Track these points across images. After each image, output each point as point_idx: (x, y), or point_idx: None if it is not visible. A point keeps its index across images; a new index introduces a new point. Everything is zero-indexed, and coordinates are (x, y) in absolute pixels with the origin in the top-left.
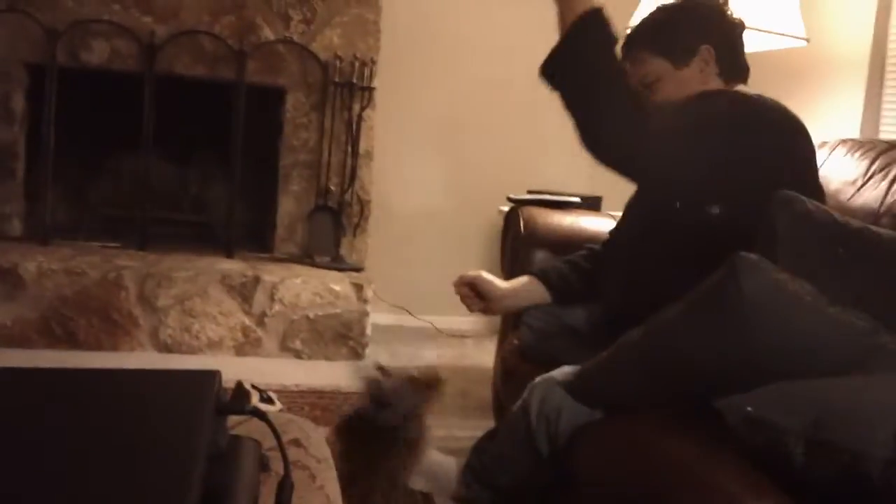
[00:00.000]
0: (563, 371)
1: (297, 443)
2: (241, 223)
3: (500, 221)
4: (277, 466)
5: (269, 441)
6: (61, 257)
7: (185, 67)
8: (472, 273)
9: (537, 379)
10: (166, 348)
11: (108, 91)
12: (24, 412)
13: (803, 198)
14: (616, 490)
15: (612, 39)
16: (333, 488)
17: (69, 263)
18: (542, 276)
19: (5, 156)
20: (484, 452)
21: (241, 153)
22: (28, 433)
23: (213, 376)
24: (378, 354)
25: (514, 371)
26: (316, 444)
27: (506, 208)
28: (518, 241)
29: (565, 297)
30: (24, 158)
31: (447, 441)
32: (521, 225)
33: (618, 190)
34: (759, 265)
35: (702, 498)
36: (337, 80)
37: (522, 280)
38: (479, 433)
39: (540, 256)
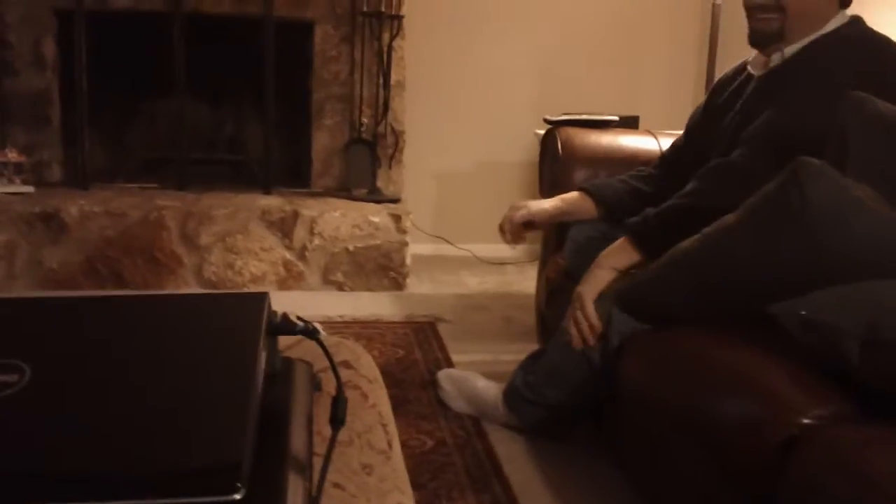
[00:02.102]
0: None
1: (347, 364)
2: (276, 159)
3: (536, 146)
4: (329, 387)
5: (319, 363)
6: (102, 200)
7: (212, 5)
8: (520, 212)
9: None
10: (211, 285)
11: (137, 33)
12: (85, 338)
13: (874, 98)
14: (664, 399)
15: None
16: (385, 407)
17: (110, 206)
18: (592, 190)
19: (40, 103)
20: (530, 370)
21: (272, 89)
22: (91, 358)
23: (262, 298)
24: (420, 283)
25: (559, 289)
26: (366, 366)
27: (542, 131)
28: (557, 162)
29: (615, 212)
30: (60, 105)
31: (492, 366)
32: (560, 145)
33: (654, 109)
34: (822, 170)
35: (755, 404)
36: (365, 9)
37: (571, 195)
38: (523, 357)
39: (580, 176)
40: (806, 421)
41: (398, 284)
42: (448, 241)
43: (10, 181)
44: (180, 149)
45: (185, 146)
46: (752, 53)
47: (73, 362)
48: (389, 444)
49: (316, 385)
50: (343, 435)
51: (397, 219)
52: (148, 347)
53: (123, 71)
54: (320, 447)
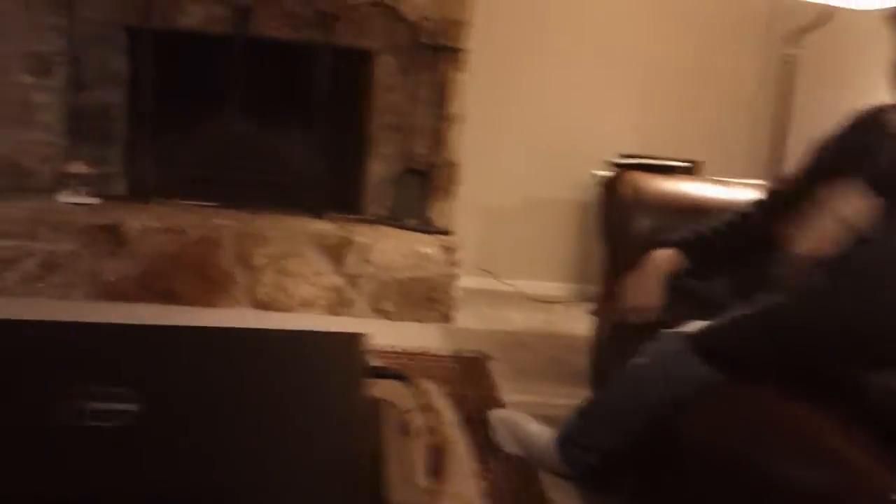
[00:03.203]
0: (688, 326)
1: (428, 407)
2: (327, 184)
3: (590, 185)
4: (414, 428)
5: (399, 401)
6: (161, 216)
7: (274, 30)
8: (654, 288)
9: (660, 332)
10: (262, 306)
11: (201, 52)
12: (190, 368)
13: None
14: (732, 458)
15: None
16: (469, 455)
17: (169, 222)
18: (683, 245)
19: (107, 117)
20: (587, 414)
21: (328, 115)
22: (199, 389)
23: (358, 340)
24: (465, 317)
25: (618, 334)
26: (446, 409)
27: (601, 172)
28: (622, 207)
29: (706, 267)
30: (125, 120)
31: (542, 408)
32: (625, 189)
33: (715, 157)
34: None
35: (837, 475)
36: (426, 41)
37: (670, 254)
38: (574, 402)
39: (644, 223)
40: (893, 497)
41: (445, 317)
42: (494, 276)
43: (77, 192)
44: (234, 168)
45: (239, 166)
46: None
47: (181, 393)
48: (478, 495)
49: (404, 429)
50: (435, 484)
51: (448, 251)
52: (252, 382)
53: (185, 89)
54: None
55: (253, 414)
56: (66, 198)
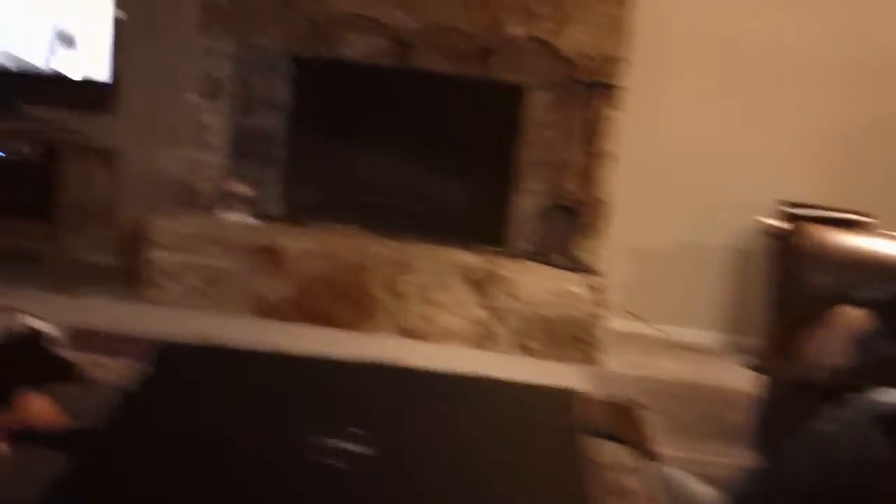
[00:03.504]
0: (880, 395)
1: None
2: (475, 217)
3: (747, 232)
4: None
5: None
6: (316, 239)
7: (433, 62)
8: (840, 361)
9: (848, 397)
10: (406, 333)
11: (360, 83)
12: (415, 411)
13: None
14: None
15: None
16: None
17: (324, 246)
18: (875, 304)
19: (269, 142)
20: (764, 479)
21: (479, 148)
22: (427, 434)
23: (572, 397)
24: (610, 360)
25: (797, 394)
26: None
27: (766, 220)
28: (800, 260)
29: None
30: (285, 144)
31: (700, 467)
32: (804, 242)
33: (884, 209)
34: None
35: None
36: (580, 78)
37: (851, 314)
38: (737, 461)
39: (827, 279)
40: None
41: (591, 358)
42: (642, 320)
43: (238, 211)
44: (386, 195)
45: (391, 193)
46: None
47: (414, 443)
48: None
49: (618, 492)
50: None
51: (596, 291)
52: (476, 431)
53: (343, 116)
54: None
55: (482, 464)
56: (227, 216)
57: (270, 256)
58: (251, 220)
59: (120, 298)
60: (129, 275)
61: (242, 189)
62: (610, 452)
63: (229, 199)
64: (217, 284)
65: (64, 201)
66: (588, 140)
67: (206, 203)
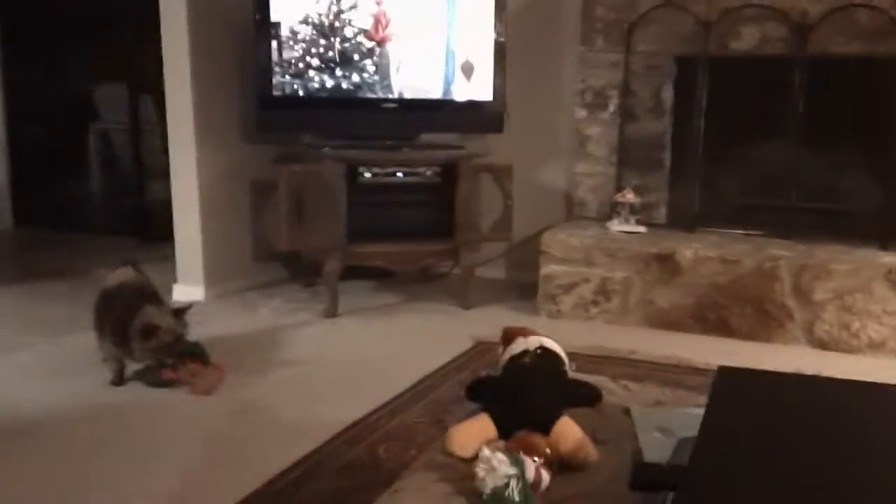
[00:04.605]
0: None
1: None
2: (892, 213)
3: None
4: None
5: None
6: (711, 245)
7: (838, 46)
8: None
9: None
10: (820, 345)
11: (749, 76)
12: None
13: None
14: None
15: None
16: None
17: (722, 251)
18: None
19: (654, 147)
20: None
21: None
22: None
23: None
24: None
25: None
26: None
27: None
28: None
29: None
30: (671, 149)
31: None
32: None
33: None
34: None
35: None
36: None
37: None
38: None
39: None
40: None
41: None
42: None
43: (627, 221)
44: (784, 196)
45: (790, 194)
46: None
47: None
48: None
49: None
50: None
51: None
52: None
53: (732, 115)
54: None
55: None
56: (616, 226)
57: (664, 265)
58: (640, 229)
59: (518, 312)
60: (527, 289)
61: (629, 197)
62: None
63: (617, 209)
64: (610, 296)
65: (460, 220)
66: None
67: (594, 214)
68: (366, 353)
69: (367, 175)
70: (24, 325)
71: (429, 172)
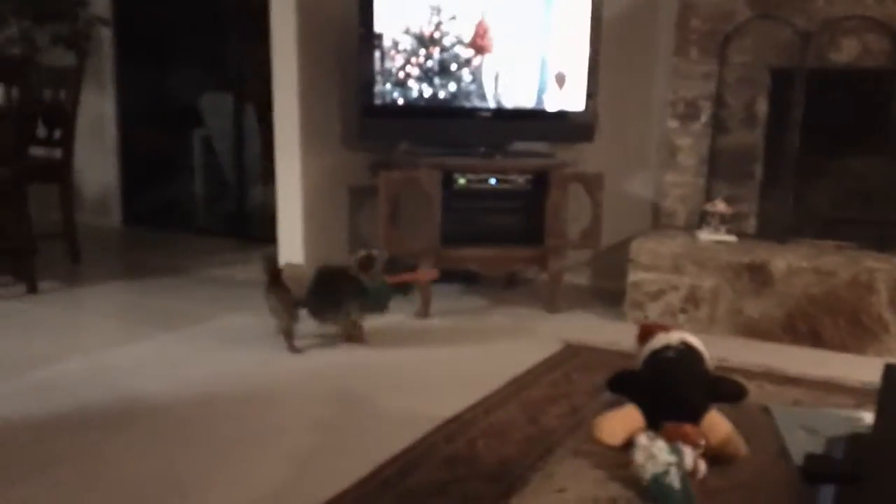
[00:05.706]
0: None
1: None
2: None
3: None
4: None
5: None
6: (806, 256)
7: None
8: None
9: None
10: None
11: (850, 90)
12: None
13: None
14: None
15: None
16: None
17: (816, 262)
18: None
19: (746, 158)
20: None
21: None
22: None
23: None
24: None
25: None
26: None
27: None
28: None
29: None
30: (763, 160)
31: None
32: None
33: None
34: None
35: None
36: None
37: None
38: None
39: None
40: None
41: None
42: None
43: (716, 230)
44: (879, 210)
45: (887, 207)
46: None
47: None
48: None
49: None
50: None
51: None
52: None
53: (827, 128)
54: None
55: None
56: (705, 235)
57: (755, 275)
58: (730, 238)
59: (604, 318)
60: (612, 296)
61: (720, 207)
62: None
63: (707, 219)
64: (699, 304)
65: (550, 226)
66: None
67: (684, 224)
68: (458, 353)
69: (462, 182)
70: (140, 317)
71: (521, 180)
